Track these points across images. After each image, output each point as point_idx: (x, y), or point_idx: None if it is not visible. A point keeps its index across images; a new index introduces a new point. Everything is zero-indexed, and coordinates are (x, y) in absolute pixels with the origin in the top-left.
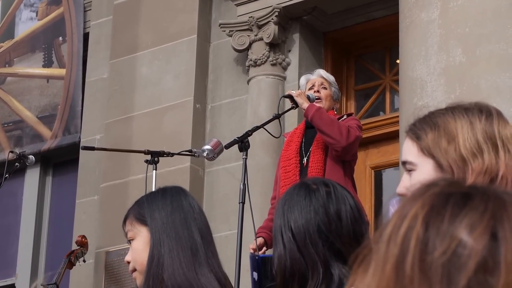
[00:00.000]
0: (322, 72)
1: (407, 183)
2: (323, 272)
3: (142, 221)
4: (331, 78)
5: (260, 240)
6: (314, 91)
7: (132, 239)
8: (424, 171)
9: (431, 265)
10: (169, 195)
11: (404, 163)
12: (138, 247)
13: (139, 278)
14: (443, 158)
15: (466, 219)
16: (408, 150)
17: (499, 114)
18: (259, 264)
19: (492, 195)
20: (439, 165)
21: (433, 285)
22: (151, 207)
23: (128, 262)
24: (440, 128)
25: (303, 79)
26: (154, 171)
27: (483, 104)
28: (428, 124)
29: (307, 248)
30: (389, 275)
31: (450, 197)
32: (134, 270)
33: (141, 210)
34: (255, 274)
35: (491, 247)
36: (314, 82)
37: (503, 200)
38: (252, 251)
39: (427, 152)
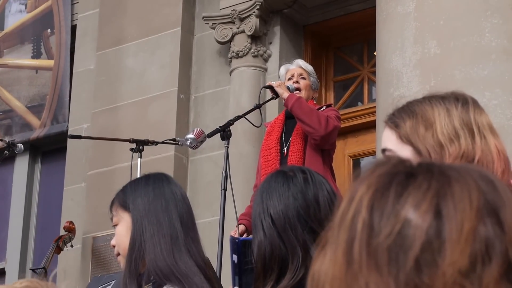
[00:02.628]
0: (301, 62)
1: None
2: (303, 255)
3: (125, 207)
4: (309, 68)
5: (242, 227)
6: (294, 82)
7: (116, 224)
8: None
9: (377, 249)
10: (152, 182)
11: (383, 150)
12: (121, 232)
13: (122, 261)
14: (421, 144)
15: (410, 198)
16: (387, 138)
17: (475, 102)
18: (239, 247)
19: (436, 172)
20: (417, 152)
21: (380, 269)
22: (134, 193)
23: (114, 246)
24: (418, 116)
25: (282, 69)
26: (139, 159)
27: (459, 93)
28: (406, 113)
29: (287, 233)
30: (341, 261)
31: (394, 177)
32: (119, 254)
33: (124, 197)
34: (235, 257)
35: (436, 225)
36: (293, 73)
37: (448, 176)
38: None
39: (405, 139)
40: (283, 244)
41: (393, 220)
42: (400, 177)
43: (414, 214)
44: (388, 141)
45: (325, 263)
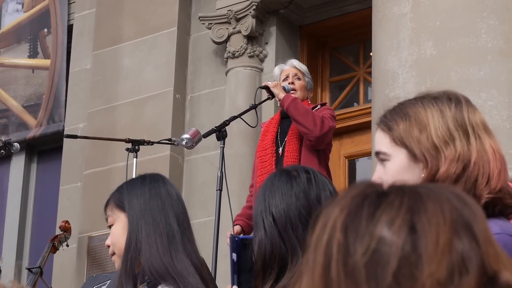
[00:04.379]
0: (295, 62)
1: (381, 173)
2: (303, 255)
3: (121, 207)
4: (303, 68)
5: (237, 228)
6: (289, 83)
7: (112, 224)
8: (398, 160)
9: (355, 267)
10: (148, 182)
11: (377, 153)
12: (117, 232)
13: (117, 261)
14: (416, 147)
15: (383, 216)
16: (380, 141)
17: (468, 101)
18: (239, 245)
19: (407, 190)
20: (412, 154)
21: (360, 286)
22: (130, 193)
23: (108, 246)
24: (411, 118)
25: (277, 69)
26: (135, 159)
27: (451, 92)
28: (398, 115)
29: (287, 233)
30: (318, 283)
31: (365, 198)
32: (114, 253)
33: (120, 197)
34: (234, 255)
35: (411, 240)
36: (288, 73)
37: (419, 193)
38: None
39: (399, 142)
40: (283, 243)
41: (367, 239)
42: (371, 197)
43: (388, 232)
44: (382, 144)
45: None
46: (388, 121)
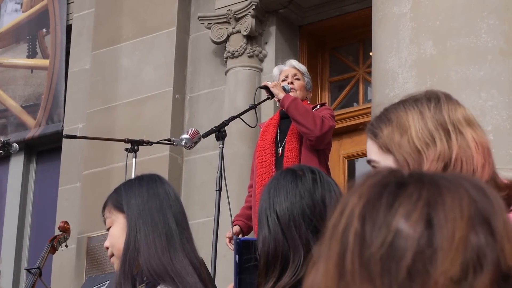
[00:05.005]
0: (294, 62)
1: None
2: (305, 254)
3: (119, 208)
4: (303, 68)
5: (236, 228)
6: (288, 83)
7: (110, 226)
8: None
9: (370, 259)
10: (146, 182)
11: (368, 162)
12: (116, 233)
13: (116, 263)
14: (398, 153)
15: (400, 208)
16: (370, 149)
17: (448, 98)
18: (240, 246)
19: (427, 182)
20: (397, 160)
21: (374, 280)
22: (128, 194)
23: (107, 248)
24: (393, 123)
25: (276, 70)
26: (134, 159)
27: (432, 92)
28: (383, 121)
29: (291, 231)
30: (333, 272)
31: (385, 187)
32: (112, 255)
33: (118, 198)
34: (237, 257)
35: (427, 234)
36: (287, 74)
37: (438, 186)
38: (228, 239)
39: (385, 148)
40: (286, 241)
41: (384, 230)
42: (391, 187)
43: (405, 224)
44: (371, 152)
45: (318, 277)
46: (374, 129)
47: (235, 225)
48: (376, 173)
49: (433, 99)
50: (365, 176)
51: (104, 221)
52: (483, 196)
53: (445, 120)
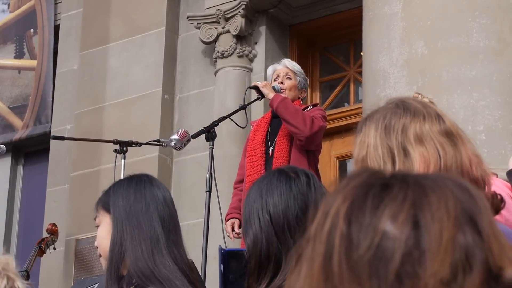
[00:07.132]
0: (287, 62)
1: None
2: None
3: (107, 208)
4: (296, 67)
5: (236, 221)
6: (279, 82)
7: (99, 225)
8: None
9: (358, 262)
10: (134, 184)
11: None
12: (102, 234)
13: (103, 263)
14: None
15: (387, 210)
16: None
17: (406, 110)
18: (225, 257)
19: (411, 183)
20: None
21: (362, 283)
22: (115, 195)
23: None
24: (357, 139)
25: (270, 70)
26: (123, 160)
27: (387, 107)
28: (356, 136)
29: (284, 234)
30: (318, 274)
31: (370, 189)
32: (101, 255)
33: (106, 198)
34: (222, 267)
35: (414, 236)
36: (279, 73)
37: (423, 186)
38: (231, 237)
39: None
40: (279, 243)
41: (371, 232)
42: (375, 188)
43: (391, 226)
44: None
45: (300, 279)
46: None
47: (231, 218)
48: (359, 174)
49: (387, 118)
50: (348, 177)
51: (95, 219)
52: (467, 196)
53: (392, 144)
